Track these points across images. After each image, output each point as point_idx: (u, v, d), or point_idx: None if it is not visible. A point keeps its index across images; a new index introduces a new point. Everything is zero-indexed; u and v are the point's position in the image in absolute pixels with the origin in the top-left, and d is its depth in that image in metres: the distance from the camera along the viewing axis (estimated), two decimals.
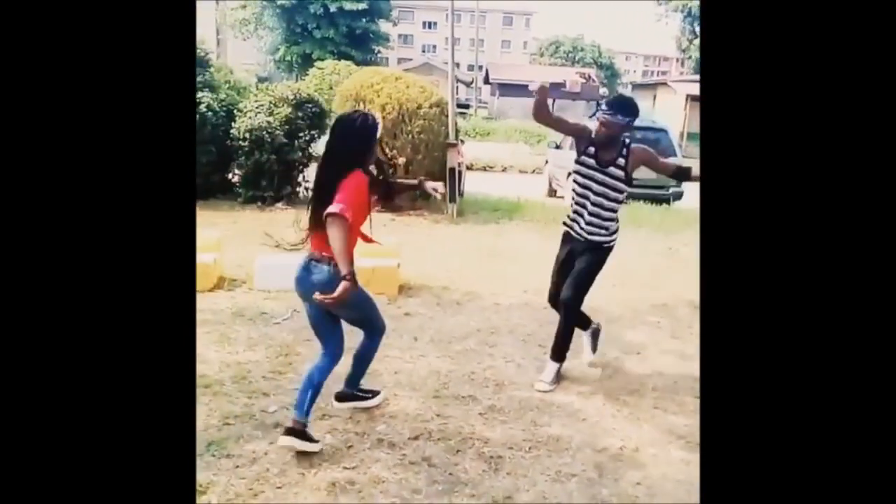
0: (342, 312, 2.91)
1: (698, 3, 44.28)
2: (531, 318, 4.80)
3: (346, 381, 3.19)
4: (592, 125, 3.52)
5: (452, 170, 8.32)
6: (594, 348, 3.99)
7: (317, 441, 2.87)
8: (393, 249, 5.31)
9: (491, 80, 41.30)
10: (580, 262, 3.57)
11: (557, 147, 12.44)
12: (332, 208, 2.52)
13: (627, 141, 3.49)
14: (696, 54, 45.82)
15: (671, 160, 3.73)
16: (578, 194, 3.56)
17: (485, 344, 4.26)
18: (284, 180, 9.01)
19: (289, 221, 7.64)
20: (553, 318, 4.84)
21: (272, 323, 4.43)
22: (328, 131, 2.77)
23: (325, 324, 2.92)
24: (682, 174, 3.54)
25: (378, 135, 2.75)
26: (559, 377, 3.71)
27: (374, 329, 3.09)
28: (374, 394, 3.28)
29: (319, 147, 9.82)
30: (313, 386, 2.85)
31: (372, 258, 5.31)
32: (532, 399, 3.50)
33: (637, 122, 11.76)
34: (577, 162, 3.53)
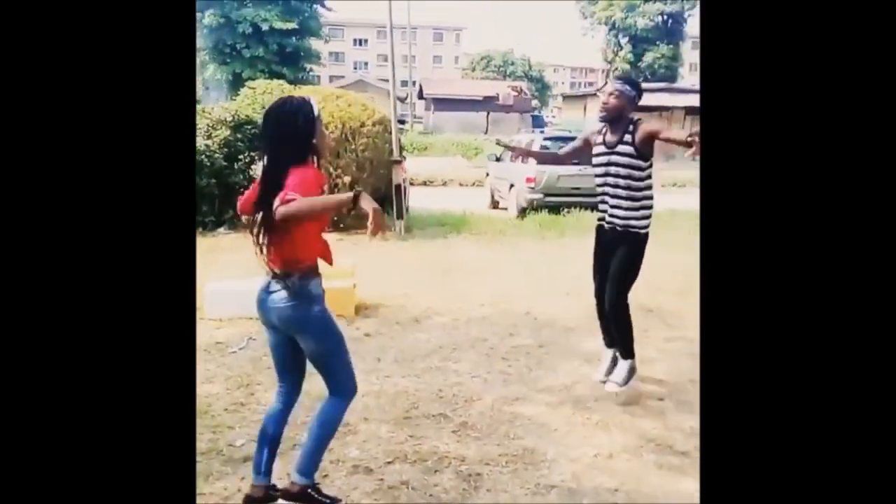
0: (307, 341, 2.40)
1: (621, 15, 45.94)
2: (491, 332, 4.82)
3: (299, 464, 2.44)
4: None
5: (398, 186, 8.31)
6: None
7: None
8: (347, 269, 5.25)
9: (425, 96, 41.61)
10: (615, 261, 3.52)
11: (498, 159, 12.60)
12: (277, 202, 2.08)
13: (634, 118, 3.48)
14: (622, 65, 47.41)
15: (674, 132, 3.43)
16: (598, 184, 3.57)
17: (448, 360, 4.25)
18: (225, 204, 8.79)
19: (231, 246, 7.50)
20: (515, 330, 4.90)
21: (228, 352, 4.30)
22: (262, 124, 2.36)
23: (288, 355, 2.49)
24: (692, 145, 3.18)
25: (320, 121, 2.34)
26: (630, 374, 3.65)
27: (338, 384, 2.48)
28: (334, 501, 2.50)
29: (260, 170, 9.67)
30: (268, 441, 2.49)
31: (327, 280, 5.24)
32: (502, 413, 3.51)
33: (574, 134, 12.03)
34: (594, 155, 3.58)
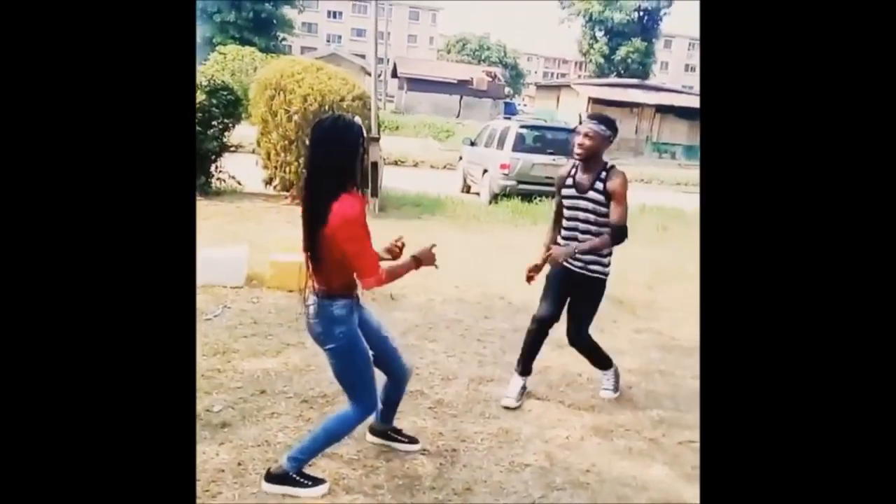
0: (329, 358, 2.48)
1: (599, 8, 46.15)
2: (466, 314, 4.89)
3: (292, 451, 2.55)
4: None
5: (375, 164, 8.28)
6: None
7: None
8: None
9: (399, 75, 41.26)
10: (583, 303, 3.47)
11: (472, 144, 12.62)
12: (368, 282, 2.34)
13: (609, 164, 3.34)
14: (597, 58, 47.72)
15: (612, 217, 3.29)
16: (567, 227, 3.43)
17: (425, 339, 4.30)
18: (197, 170, 8.63)
19: (203, 213, 7.39)
20: (489, 313, 4.98)
21: (203, 319, 4.27)
22: (308, 142, 2.37)
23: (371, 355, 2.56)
24: (620, 234, 3.28)
25: (362, 141, 2.35)
26: (617, 379, 3.74)
27: (355, 402, 2.52)
28: (317, 482, 2.57)
29: (234, 136, 9.50)
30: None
31: (302, 253, 5.22)
32: (478, 393, 3.58)
33: (550, 123, 12.08)
34: (561, 196, 3.42)
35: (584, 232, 3.35)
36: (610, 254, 3.43)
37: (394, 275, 2.44)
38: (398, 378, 2.77)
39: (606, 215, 3.28)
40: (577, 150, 3.29)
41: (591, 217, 3.31)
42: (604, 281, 3.46)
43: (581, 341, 3.56)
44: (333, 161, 2.29)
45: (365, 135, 2.37)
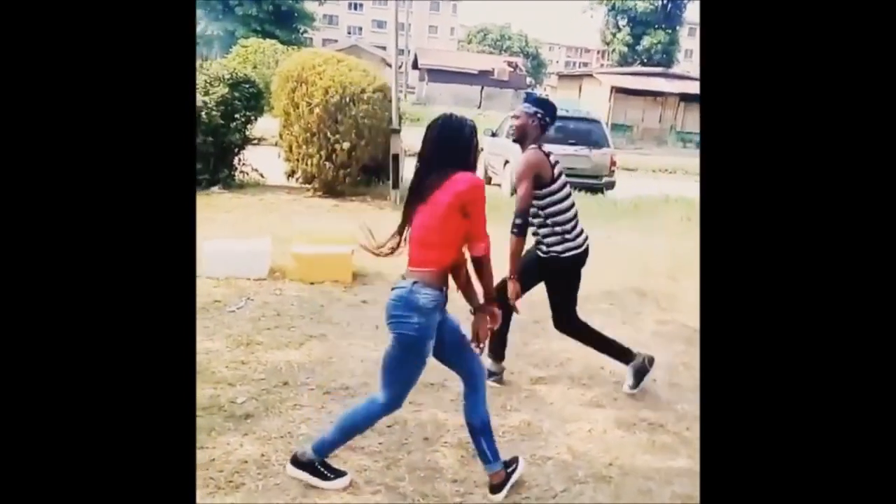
0: (391, 341, 2.45)
1: None
2: None
3: (316, 441, 2.56)
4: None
5: (396, 156, 8.27)
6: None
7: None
8: (346, 236, 5.27)
9: (420, 66, 41.19)
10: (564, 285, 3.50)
11: (493, 135, 12.55)
12: (480, 246, 2.42)
13: (534, 146, 3.28)
14: (620, 47, 47.17)
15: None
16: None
17: None
18: (221, 163, 8.72)
19: (227, 206, 7.46)
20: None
21: (227, 311, 4.31)
22: (424, 135, 2.43)
23: (444, 349, 2.53)
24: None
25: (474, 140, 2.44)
26: (638, 375, 3.59)
27: (389, 396, 2.48)
28: (339, 474, 2.58)
29: (256, 129, 9.56)
30: (475, 432, 2.57)
31: (325, 245, 5.25)
32: (498, 386, 3.57)
33: (571, 113, 11.79)
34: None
35: (533, 217, 3.35)
36: (575, 229, 3.36)
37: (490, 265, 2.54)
38: (474, 380, 2.60)
39: (540, 198, 3.28)
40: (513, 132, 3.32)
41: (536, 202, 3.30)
42: (578, 259, 3.37)
43: (568, 327, 3.51)
44: (448, 154, 2.36)
45: (477, 133, 2.46)
